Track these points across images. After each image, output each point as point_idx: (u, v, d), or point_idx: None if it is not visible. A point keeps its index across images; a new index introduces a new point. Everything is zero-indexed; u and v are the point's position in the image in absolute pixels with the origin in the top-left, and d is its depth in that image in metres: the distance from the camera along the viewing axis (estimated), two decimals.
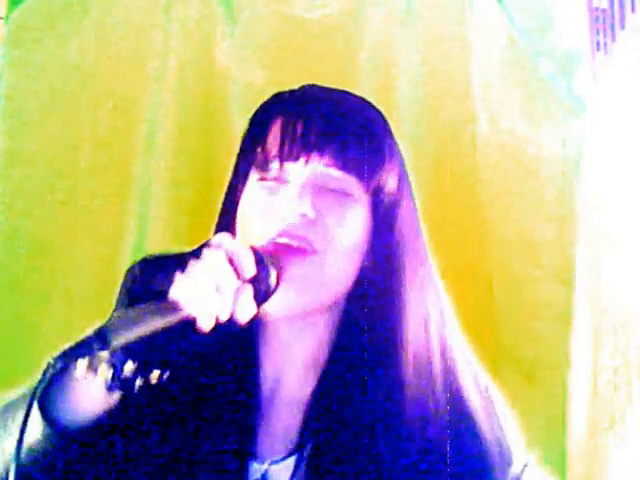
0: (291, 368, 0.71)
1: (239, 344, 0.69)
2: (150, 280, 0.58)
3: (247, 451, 0.66)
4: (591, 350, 1.26)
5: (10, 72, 1.25)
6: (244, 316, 0.58)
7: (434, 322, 0.72)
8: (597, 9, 1.68)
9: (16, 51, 1.25)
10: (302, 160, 0.66)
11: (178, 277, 0.56)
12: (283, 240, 0.64)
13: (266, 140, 0.68)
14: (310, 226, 0.64)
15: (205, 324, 0.56)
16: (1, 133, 1.24)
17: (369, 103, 0.77)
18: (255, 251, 0.60)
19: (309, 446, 0.66)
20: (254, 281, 0.59)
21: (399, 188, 0.70)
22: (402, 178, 0.72)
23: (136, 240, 1.25)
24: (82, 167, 1.25)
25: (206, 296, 0.55)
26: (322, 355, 0.71)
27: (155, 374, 0.57)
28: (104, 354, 0.56)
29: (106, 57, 1.27)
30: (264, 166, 0.67)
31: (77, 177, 1.25)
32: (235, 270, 0.57)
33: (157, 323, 0.55)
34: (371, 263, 0.69)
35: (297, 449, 0.67)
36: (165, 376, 0.58)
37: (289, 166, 0.67)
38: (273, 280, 0.62)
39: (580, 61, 1.34)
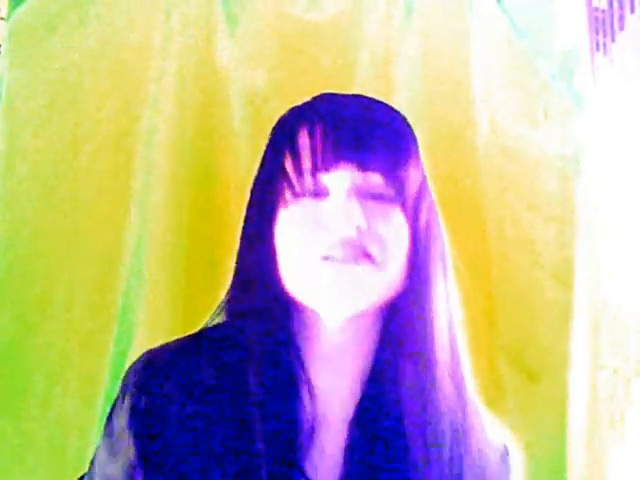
0: (342, 380, 0.69)
1: (289, 361, 0.68)
2: None
3: (291, 467, 0.64)
4: (591, 350, 1.26)
5: (11, 73, 1.25)
6: None
7: (454, 322, 0.72)
8: (597, 9, 1.69)
9: (17, 52, 1.25)
10: (338, 168, 0.63)
11: None
12: (341, 254, 0.62)
13: (295, 153, 0.65)
14: (365, 235, 0.63)
15: None
16: (1, 134, 1.24)
17: (387, 105, 0.74)
18: None
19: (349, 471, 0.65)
20: None
21: (420, 187, 0.69)
22: (423, 178, 0.71)
23: (137, 240, 1.25)
24: (83, 167, 1.25)
25: None
26: (367, 366, 0.69)
27: None
28: None
29: (106, 57, 1.27)
30: (298, 180, 0.64)
31: (78, 177, 1.25)
32: None
33: None
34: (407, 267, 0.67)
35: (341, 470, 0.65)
36: None
37: (325, 177, 0.64)
38: None
39: (579, 61, 1.34)
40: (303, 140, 0.65)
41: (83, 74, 1.26)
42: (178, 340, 0.74)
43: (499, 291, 1.26)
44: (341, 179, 0.64)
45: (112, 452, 0.69)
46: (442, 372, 0.68)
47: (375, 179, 0.64)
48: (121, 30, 1.27)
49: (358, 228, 0.62)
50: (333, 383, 0.69)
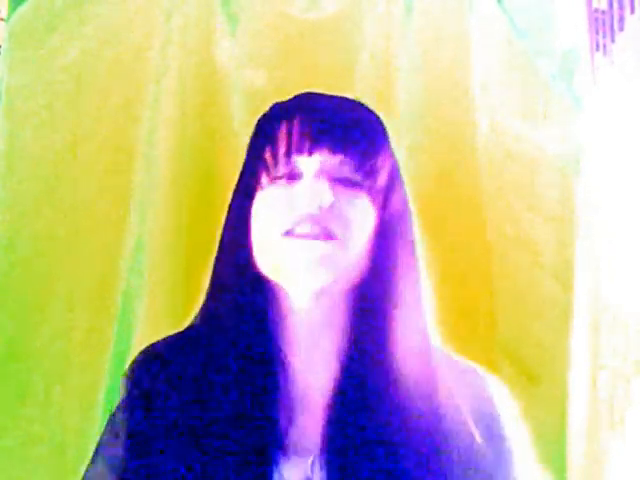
0: (318, 359, 0.72)
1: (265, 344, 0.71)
2: None
3: (272, 445, 0.66)
4: (590, 350, 1.26)
5: (11, 73, 1.25)
6: None
7: (421, 313, 0.75)
8: (597, 10, 1.69)
9: (17, 52, 1.25)
10: (311, 152, 0.68)
11: None
12: (304, 229, 0.67)
13: (274, 141, 0.71)
14: (329, 214, 0.67)
15: None
16: (1, 134, 1.24)
17: (364, 105, 0.79)
18: None
19: (332, 446, 0.67)
20: None
21: (390, 179, 0.73)
22: (394, 171, 0.75)
23: (136, 240, 1.25)
24: (83, 167, 1.25)
25: None
26: (342, 345, 0.72)
27: None
28: None
29: (106, 57, 1.27)
30: (274, 165, 0.70)
31: (78, 178, 1.25)
32: None
33: None
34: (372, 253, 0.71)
35: (321, 447, 0.68)
36: None
37: (299, 159, 0.69)
38: None
39: (579, 61, 1.34)
40: (281, 130, 0.71)
41: (83, 74, 1.26)
42: (173, 334, 0.78)
43: (499, 291, 1.26)
44: (313, 162, 0.68)
45: (113, 436, 0.73)
46: (405, 351, 0.71)
47: (345, 164, 0.69)
48: (121, 30, 1.28)
49: (322, 206, 0.67)
50: (309, 362, 0.72)
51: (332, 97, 0.76)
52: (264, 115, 0.77)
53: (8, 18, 1.27)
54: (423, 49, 1.29)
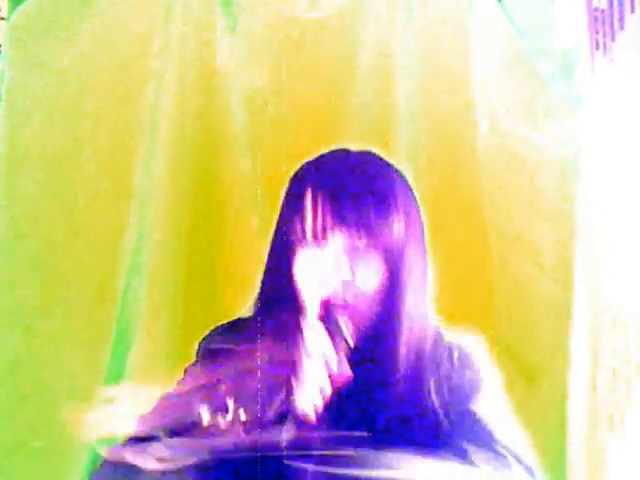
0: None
1: None
2: None
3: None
4: (590, 350, 1.26)
5: (11, 73, 1.25)
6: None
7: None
8: (596, 9, 1.69)
9: (17, 52, 1.25)
10: (333, 227, 0.84)
11: None
12: (334, 301, 0.83)
13: (301, 212, 0.86)
14: (348, 288, 0.84)
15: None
16: (1, 134, 1.24)
17: (381, 160, 0.91)
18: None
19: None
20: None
21: (406, 227, 0.85)
22: (410, 216, 0.87)
23: (136, 242, 1.25)
24: (83, 168, 1.25)
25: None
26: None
27: None
28: None
29: (106, 58, 1.27)
30: (303, 233, 0.85)
31: (78, 179, 1.25)
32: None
33: None
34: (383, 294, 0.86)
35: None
36: None
37: (322, 228, 0.84)
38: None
39: (579, 60, 1.34)
40: (306, 201, 0.86)
41: (83, 74, 1.26)
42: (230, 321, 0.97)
43: (499, 291, 1.26)
44: (335, 235, 0.84)
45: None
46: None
47: (362, 236, 0.84)
48: (121, 30, 1.27)
49: (344, 281, 0.83)
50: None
51: (351, 157, 0.89)
52: (293, 180, 0.90)
53: (8, 17, 1.27)
54: (423, 49, 1.29)
